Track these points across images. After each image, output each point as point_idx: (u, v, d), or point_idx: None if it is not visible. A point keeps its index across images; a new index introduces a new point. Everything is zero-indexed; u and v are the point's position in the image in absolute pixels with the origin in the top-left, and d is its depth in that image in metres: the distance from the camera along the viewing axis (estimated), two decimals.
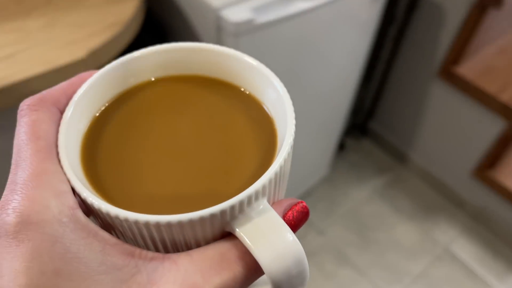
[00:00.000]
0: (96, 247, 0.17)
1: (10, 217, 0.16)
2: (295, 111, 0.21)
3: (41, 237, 0.16)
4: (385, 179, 1.49)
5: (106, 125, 0.23)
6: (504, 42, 1.25)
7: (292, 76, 0.89)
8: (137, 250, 0.18)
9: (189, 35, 0.79)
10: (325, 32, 0.87)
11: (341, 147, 1.52)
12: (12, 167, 0.18)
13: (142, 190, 0.20)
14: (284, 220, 0.19)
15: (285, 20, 0.75)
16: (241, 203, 0.18)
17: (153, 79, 0.25)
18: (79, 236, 0.17)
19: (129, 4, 0.72)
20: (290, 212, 0.20)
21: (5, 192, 0.17)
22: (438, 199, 1.44)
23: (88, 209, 0.19)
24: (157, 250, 0.19)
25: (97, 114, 0.23)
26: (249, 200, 0.18)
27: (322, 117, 1.13)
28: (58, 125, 0.20)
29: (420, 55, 1.26)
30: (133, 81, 0.24)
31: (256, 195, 0.18)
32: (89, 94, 0.22)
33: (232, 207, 0.17)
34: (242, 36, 0.70)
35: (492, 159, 1.23)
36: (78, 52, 0.62)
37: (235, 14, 0.68)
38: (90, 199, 0.18)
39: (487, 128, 1.20)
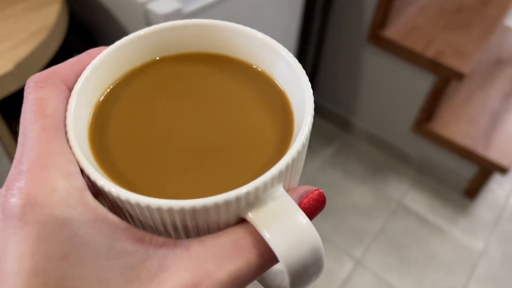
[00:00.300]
0: (105, 231, 0.16)
1: (16, 199, 0.15)
2: None
3: (48, 220, 0.15)
4: (334, 147, 1.54)
5: (115, 104, 0.21)
6: (423, 2, 1.31)
7: None
8: (148, 236, 0.17)
9: (119, 32, 0.78)
10: (254, 14, 0.89)
11: None
12: (18, 146, 0.17)
13: (153, 172, 0.19)
14: (300, 207, 0.18)
15: (212, 6, 0.75)
16: (256, 190, 0.17)
17: (159, 58, 0.23)
18: (88, 219, 0.16)
19: (50, 9, 0.69)
20: (306, 200, 0.19)
21: (10, 173, 0.17)
22: (385, 158, 1.52)
23: (97, 192, 0.18)
24: (168, 235, 0.18)
25: (106, 93, 0.22)
26: (265, 186, 0.17)
27: None
28: (66, 103, 0.19)
29: (349, 23, 1.31)
30: (140, 60, 0.23)
31: (272, 181, 0.17)
32: (98, 71, 0.21)
33: (248, 193, 0.17)
34: None
35: (427, 113, 1.31)
36: (4, 65, 0.60)
37: (162, 6, 0.68)
38: (100, 181, 0.17)
39: (419, 85, 1.27)
